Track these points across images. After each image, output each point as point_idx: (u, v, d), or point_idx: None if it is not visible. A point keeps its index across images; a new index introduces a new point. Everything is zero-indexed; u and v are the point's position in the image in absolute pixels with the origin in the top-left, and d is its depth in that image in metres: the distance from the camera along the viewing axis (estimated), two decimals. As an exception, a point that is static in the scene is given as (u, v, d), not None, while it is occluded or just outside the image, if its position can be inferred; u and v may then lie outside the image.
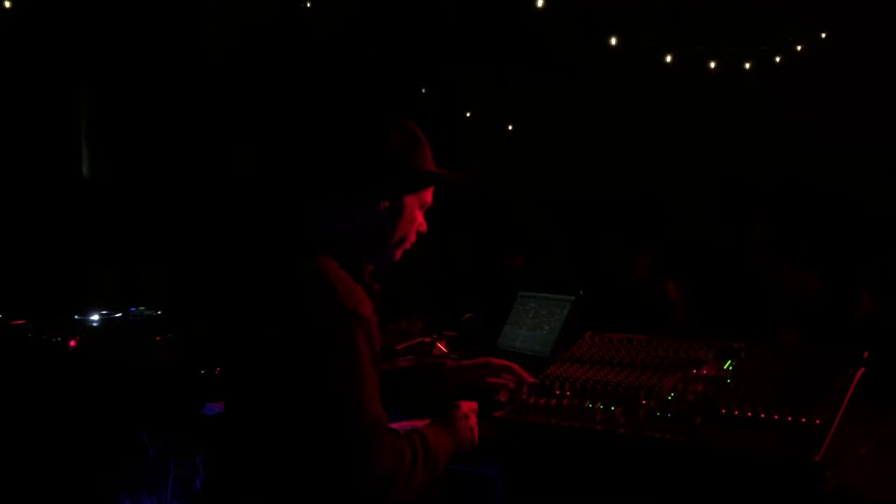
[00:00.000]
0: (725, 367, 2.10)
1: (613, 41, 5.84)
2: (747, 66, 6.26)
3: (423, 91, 7.24)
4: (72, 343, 3.48)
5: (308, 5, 6.21)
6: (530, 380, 2.10)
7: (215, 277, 1.81)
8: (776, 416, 1.78)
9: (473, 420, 1.85)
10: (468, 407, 1.87)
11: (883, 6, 5.68)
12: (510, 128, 6.92)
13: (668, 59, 6.08)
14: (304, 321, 1.55)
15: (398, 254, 1.82)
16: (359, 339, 1.55)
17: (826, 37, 6.23)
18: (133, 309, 3.95)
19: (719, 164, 6.75)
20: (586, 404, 1.96)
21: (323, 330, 1.54)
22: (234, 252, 1.78)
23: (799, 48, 6.29)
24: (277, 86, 6.61)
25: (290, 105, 6.70)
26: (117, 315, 3.84)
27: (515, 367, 2.14)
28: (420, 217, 1.83)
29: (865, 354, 1.97)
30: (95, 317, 3.79)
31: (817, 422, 1.72)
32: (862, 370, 1.91)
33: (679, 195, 6.90)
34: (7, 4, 5.36)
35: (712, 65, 6.20)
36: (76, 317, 3.80)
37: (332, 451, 1.52)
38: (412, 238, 1.82)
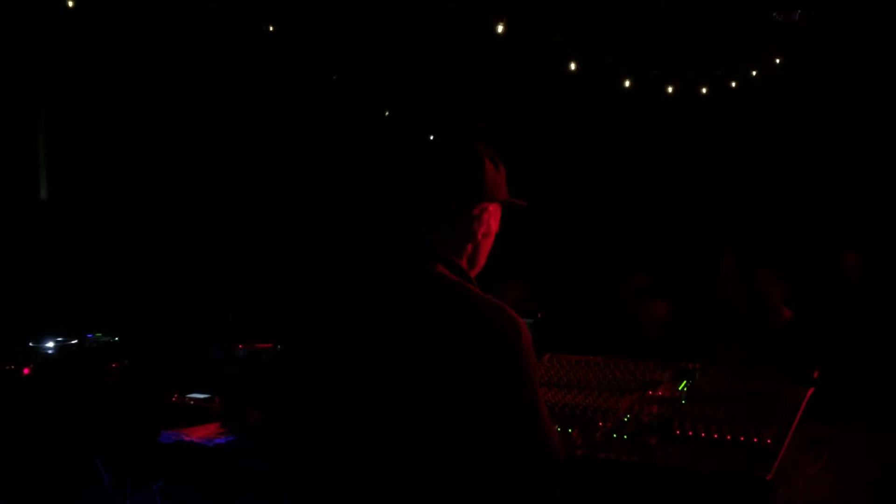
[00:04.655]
0: (680, 388, 2.13)
1: (572, 66, 5.92)
2: (704, 90, 6.38)
3: (386, 114, 7.26)
4: (25, 370, 3.41)
5: (271, 29, 6.20)
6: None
7: (315, 293, 1.77)
8: (729, 436, 1.80)
9: None
10: None
11: (833, 32, 5.84)
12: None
13: (627, 83, 6.19)
14: (491, 336, 1.56)
15: (485, 258, 1.86)
16: (531, 348, 1.61)
17: (780, 61, 6.38)
18: (89, 335, 3.88)
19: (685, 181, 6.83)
20: (544, 427, 1.97)
21: (515, 347, 1.57)
22: (337, 266, 1.78)
23: (754, 73, 6.44)
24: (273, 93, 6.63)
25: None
26: (73, 341, 3.77)
27: None
28: (495, 231, 1.88)
29: (816, 374, 2.02)
30: (50, 343, 3.71)
31: (769, 441, 1.76)
32: (812, 390, 1.95)
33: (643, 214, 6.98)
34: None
35: (669, 89, 6.31)
36: (30, 343, 3.72)
37: (523, 468, 1.57)
38: (489, 246, 1.87)
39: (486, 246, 1.83)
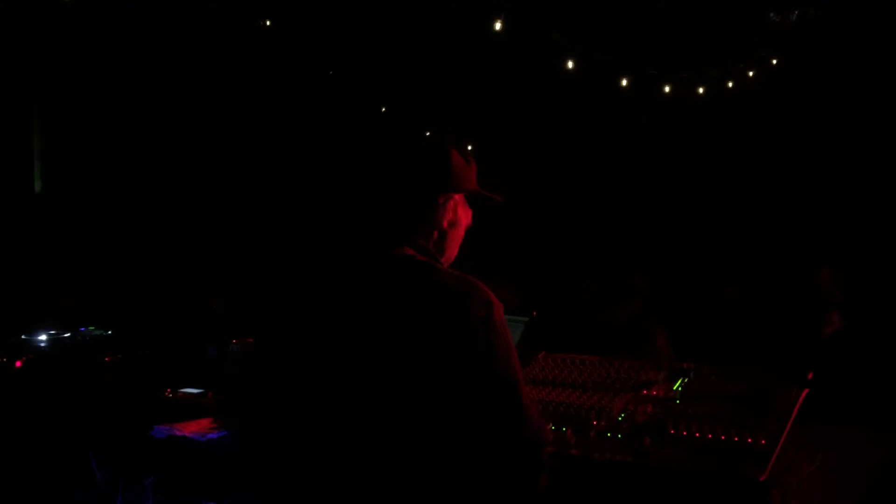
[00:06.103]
0: (675, 388, 2.12)
1: (570, 64, 5.91)
2: (700, 90, 6.38)
3: (383, 110, 7.24)
4: (18, 363, 3.39)
5: (268, 24, 6.18)
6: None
7: (296, 280, 1.81)
8: (723, 437, 1.80)
9: None
10: None
11: (828, 33, 5.86)
12: (469, 147, 6.98)
13: (624, 82, 6.17)
14: (466, 316, 1.60)
15: (455, 249, 1.90)
16: (504, 324, 1.64)
17: (776, 62, 6.38)
18: (83, 329, 3.85)
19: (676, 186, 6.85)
20: (538, 425, 1.96)
21: (486, 322, 1.60)
22: (312, 256, 1.82)
23: (751, 73, 6.43)
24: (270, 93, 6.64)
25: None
26: (66, 335, 3.75)
27: None
28: (464, 223, 1.92)
29: (810, 375, 2.02)
30: (43, 336, 3.68)
31: (763, 442, 1.75)
32: (806, 391, 1.95)
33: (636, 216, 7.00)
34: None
35: (666, 89, 6.30)
36: (23, 336, 3.69)
37: (508, 440, 1.59)
38: (459, 236, 1.91)
39: (455, 235, 1.87)
